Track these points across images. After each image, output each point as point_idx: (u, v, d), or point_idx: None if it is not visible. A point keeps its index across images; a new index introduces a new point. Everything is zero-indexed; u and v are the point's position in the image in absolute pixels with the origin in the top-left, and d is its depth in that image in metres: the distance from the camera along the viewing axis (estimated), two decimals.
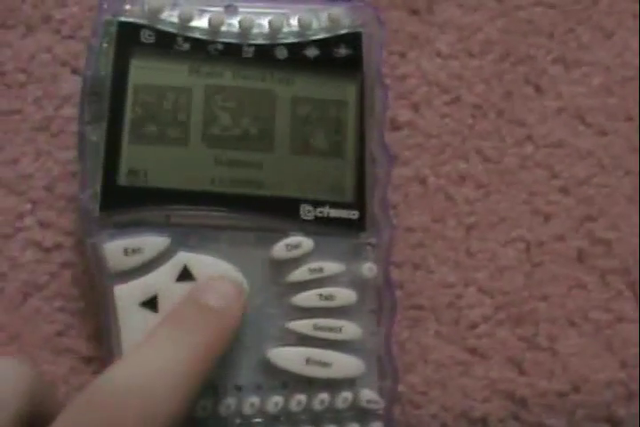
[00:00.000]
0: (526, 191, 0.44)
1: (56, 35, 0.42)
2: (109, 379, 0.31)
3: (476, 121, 0.44)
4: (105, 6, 0.38)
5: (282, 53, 0.39)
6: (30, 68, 0.42)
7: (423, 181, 0.43)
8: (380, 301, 0.38)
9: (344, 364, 0.37)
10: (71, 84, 0.41)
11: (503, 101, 0.44)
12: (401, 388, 0.41)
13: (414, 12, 0.45)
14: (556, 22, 0.46)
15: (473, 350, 0.42)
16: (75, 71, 0.42)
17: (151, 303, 0.36)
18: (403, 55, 0.44)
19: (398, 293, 0.41)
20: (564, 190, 0.44)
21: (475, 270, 0.43)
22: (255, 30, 0.39)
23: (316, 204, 0.38)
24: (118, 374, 0.31)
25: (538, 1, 0.46)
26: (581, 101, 0.45)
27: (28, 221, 0.41)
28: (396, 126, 0.43)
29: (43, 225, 0.41)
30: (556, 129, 0.44)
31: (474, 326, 0.42)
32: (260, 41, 0.39)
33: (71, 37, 0.42)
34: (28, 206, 0.41)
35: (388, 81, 0.43)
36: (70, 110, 0.41)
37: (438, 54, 0.45)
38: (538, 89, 0.45)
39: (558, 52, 0.45)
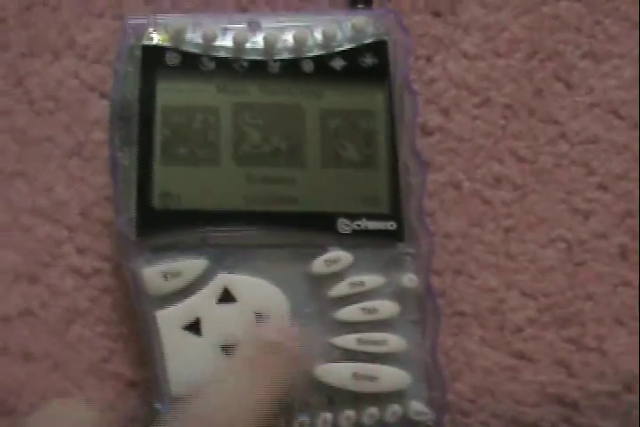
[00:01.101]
0: (563, 190, 0.43)
1: (82, 60, 0.43)
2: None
3: (508, 121, 0.44)
4: (128, 31, 0.38)
5: (308, 67, 0.38)
6: (58, 94, 0.42)
7: (458, 186, 0.43)
8: (422, 311, 0.38)
9: (391, 377, 0.37)
10: (100, 109, 0.41)
11: (534, 100, 0.44)
12: (449, 397, 0.40)
13: (437, 14, 0.45)
14: (582, 16, 0.45)
15: (520, 355, 0.42)
16: (103, 95, 0.42)
17: (194, 327, 0.36)
18: (429, 59, 0.44)
19: (440, 300, 0.41)
20: (601, 187, 0.43)
21: (516, 273, 0.42)
22: (280, 45, 0.39)
23: (353, 217, 0.37)
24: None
25: None
26: (613, 95, 0.44)
27: (66, 247, 0.41)
28: (426, 132, 0.43)
29: (81, 251, 0.41)
30: (590, 124, 0.44)
31: (519, 329, 0.42)
32: (285, 55, 0.39)
33: (97, 62, 0.43)
34: (65, 233, 0.41)
35: (415, 86, 0.43)
36: (101, 135, 0.41)
37: (465, 56, 0.44)
38: (568, 85, 0.44)
39: (587, 45, 0.45)
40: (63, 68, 0.42)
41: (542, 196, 0.43)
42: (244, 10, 0.43)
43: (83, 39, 0.43)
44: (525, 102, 0.44)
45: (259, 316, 0.36)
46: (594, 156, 0.43)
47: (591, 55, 0.45)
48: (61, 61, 0.42)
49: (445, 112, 0.43)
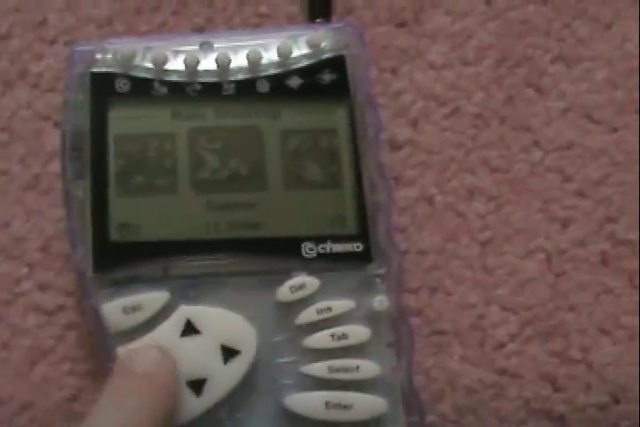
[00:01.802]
0: (540, 199, 0.42)
1: (35, 89, 0.42)
2: None
3: (479, 131, 0.43)
4: (76, 58, 0.37)
5: (264, 87, 0.37)
6: (12, 125, 0.41)
7: (430, 200, 0.42)
8: (396, 332, 0.37)
9: (366, 404, 0.36)
10: (55, 139, 0.40)
11: (505, 107, 0.43)
12: (432, 418, 0.39)
13: (401, 24, 0.44)
14: (550, 19, 0.44)
15: (503, 371, 0.41)
16: (57, 125, 0.41)
17: None
18: (394, 71, 0.43)
19: (417, 319, 0.40)
20: (579, 194, 0.42)
21: (495, 288, 0.41)
22: (233, 66, 0.38)
23: (318, 240, 0.36)
24: None
25: None
26: (587, 99, 0.43)
27: (27, 284, 0.40)
28: (395, 146, 0.42)
29: (42, 288, 0.40)
30: (564, 130, 0.43)
31: (501, 345, 0.41)
32: (239, 76, 0.38)
33: (51, 90, 0.42)
34: (25, 270, 0.40)
35: (381, 100, 0.42)
36: (57, 166, 0.39)
37: (431, 66, 0.43)
38: (540, 90, 0.43)
39: (556, 49, 0.44)
40: (16, 99, 0.41)
41: (518, 206, 0.42)
42: (200, 30, 0.43)
43: (35, 67, 0.42)
44: (496, 110, 0.43)
45: (225, 348, 0.35)
46: (569, 162, 0.42)
47: (562, 59, 0.44)
48: (13, 92, 0.41)
49: (414, 125, 0.42)
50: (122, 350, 0.35)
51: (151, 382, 0.33)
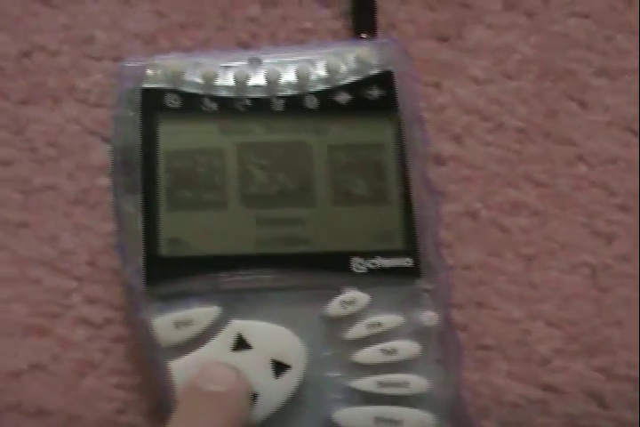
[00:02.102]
0: (584, 213, 0.42)
1: (83, 104, 0.42)
2: None
3: (523, 146, 0.42)
4: (127, 74, 0.38)
5: (312, 102, 0.38)
6: (60, 141, 0.41)
7: (475, 215, 0.42)
8: (444, 347, 0.37)
9: (415, 419, 0.36)
10: (103, 154, 0.41)
11: (548, 122, 0.43)
12: None
13: (443, 39, 0.44)
14: (592, 32, 0.44)
15: (548, 387, 0.40)
16: (105, 140, 0.41)
17: None
18: (437, 85, 0.43)
19: (463, 335, 0.40)
20: (623, 208, 0.42)
21: (540, 303, 0.41)
22: (282, 81, 0.38)
23: (367, 255, 0.36)
24: None
25: (571, 12, 0.44)
26: (630, 112, 0.43)
27: (76, 298, 0.40)
28: (439, 161, 0.42)
29: (90, 301, 0.40)
30: (607, 144, 0.43)
31: (546, 361, 0.41)
32: (288, 92, 0.38)
33: (98, 106, 0.42)
34: (74, 283, 0.40)
35: (425, 114, 0.42)
36: (105, 180, 0.40)
37: (474, 80, 0.43)
38: (582, 104, 0.43)
39: (599, 62, 0.44)
40: (64, 114, 0.42)
41: (562, 220, 0.42)
42: (245, 45, 0.43)
43: (82, 83, 0.42)
44: (539, 125, 0.43)
45: (275, 362, 0.35)
46: (613, 176, 0.42)
47: (604, 72, 0.44)
48: (62, 107, 0.42)
49: (457, 140, 0.42)
50: (173, 365, 0.35)
51: (225, 400, 0.33)
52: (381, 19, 0.43)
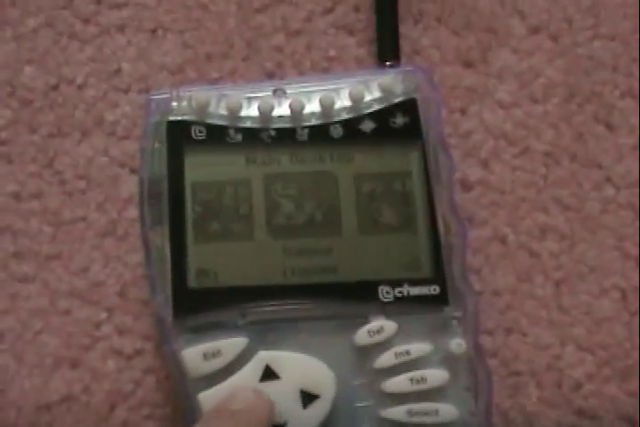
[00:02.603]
0: (613, 236, 0.42)
1: (111, 137, 0.42)
2: None
3: (550, 169, 0.42)
4: (153, 106, 0.38)
5: (337, 132, 0.38)
6: (89, 173, 0.42)
7: (503, 240, 0.41)
8: (474, 375, 0.36)
9: None
10: (131, 185, 0.41)
11: (575, 145, 0.43)
12: None
13: (468, 64, 0.44)
14: (617, 54, 0.44)
15: (581, 413, 0.40)
16: (133, 171, 0.42)
17: None
18: (463, 111, 0.43)
19: (493, 361, 0.40)
20: None
21: (571, 327, 0.41)
22: (307, 111, 0.38)
23: (394, 284, 0.36)
24: None
25: (595, 34, 0.44)
26: None
27: (106, 329, 0.40)
28: (467, 186, 0.42)
29: (121, 332, 0.40)
30: (635, 166, 0.43)
31: (578, 386, 0.40)
32: (313, 122, 0.38)
33: (126, 138, 0.42)
34: (104, 315, 0.40)
35: (452, 140, 0.42)
36: (134, 212, 0.41)
37: (500, 105, 0.43)
38: (609, 126, 0.43)
39: (625, 84, 0.44)
40: (92, 147, 0.42)
41: (591, 244, 0.42)
42: (270, 75, 0.43)
43: (110, 115, 0.43)
44: (566, 148, 0.42)
45: (304, 392, 0.35)
46: None
47: (630, 94, 0.44)
48: (90, 139, 0.42)
49: (485, 164, 0.42)
50: (202, 396, 0.35)
51: (242, 417, 0.34)
52: (406, 45, 0.43)
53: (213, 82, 0.43)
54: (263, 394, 0.35)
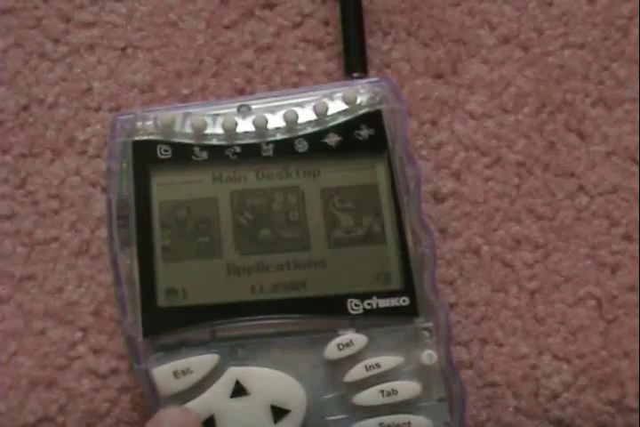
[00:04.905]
0: (587, 245, 0.42)
1: (82, 156, 0.43)
2: None
3: (522, 179, 0.42)
4: (118, 127, 0.38)
5: (302, 146, 0.38)
6: (61, 193, 0.42)
7: (477, 252, 0.41)
8: (447, 386, 0.36)
9: None
10: (104, 204, 0.41)
11: (547, 154, 0.43)
12: None
13: (439, 76, 0.44)
14: (588, 62, 0.44)
15: (559, 422, 0.40)
16: (105, 190, 0.41)
17: (209, 424, 0.35)
18: (434, 123, 0.43)
19: (469, 372, 0.40)
20: (627, 237, 0.42)
21: (546, 337, 0.41)
22: (271, 126, 0.38)
23: (363, 296, 0.36)
24: None
25: (565, 43, 0.44)
26: (629, 141, 0.43)
27: (81, 349, 0.40)
28: (439, 198, 0.42)
29: (96, 351, 0.40)
30: (608, 174, 0.43)
31: (555, 395, 0.40)
32: (277, 137, 0.38)
33: (97, 157, 0.43)
34: (79, 334, 0.40)
35: (423, 152, 0.42)
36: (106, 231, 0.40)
37: (471, 116, 0.43)
38: (581, 135, 0.43)
39: (596, 92, 0.44)
40: (64, 166, 0.42)
41: (566, 253, 0.42)
42: (240, 91, 0.43)
43: (81, 135, 0.43)
44: (538, 158, 0.43)
45: (274, 407, 0.35)
46: (615, 206, 0.42)
47: (602, 102, 0.44)
48: (62, 159, 0.42)
49: (457, 176, 0.42)
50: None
51: None
52: (376, 58, 0.44)
53: (184, 99, 0.43)
54: (190, 410, 0.35)
